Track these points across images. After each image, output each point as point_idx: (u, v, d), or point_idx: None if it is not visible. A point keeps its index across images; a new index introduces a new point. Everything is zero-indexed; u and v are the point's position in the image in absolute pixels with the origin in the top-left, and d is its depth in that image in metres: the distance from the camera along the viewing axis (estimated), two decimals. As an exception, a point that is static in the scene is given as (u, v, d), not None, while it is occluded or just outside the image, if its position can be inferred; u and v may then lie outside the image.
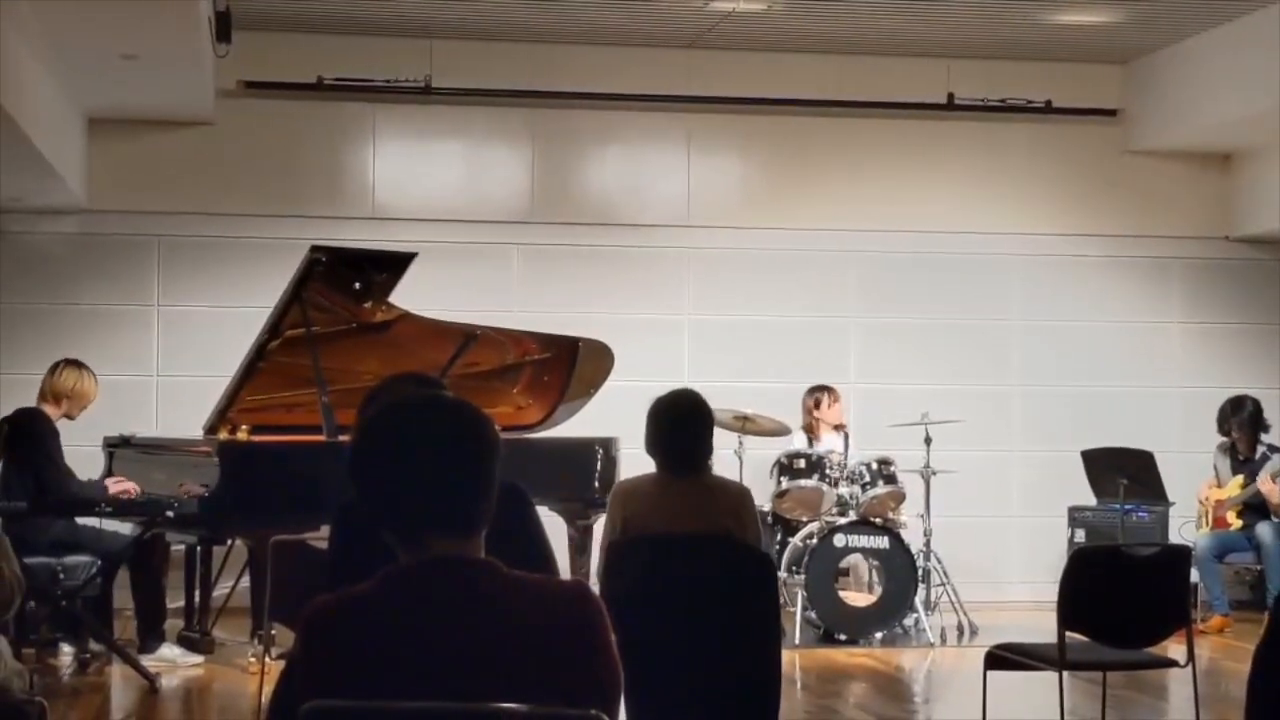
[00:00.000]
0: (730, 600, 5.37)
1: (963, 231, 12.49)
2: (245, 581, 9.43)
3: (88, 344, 11.20)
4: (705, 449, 5.75)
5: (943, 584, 10.83)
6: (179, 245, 11.70)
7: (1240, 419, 11.32)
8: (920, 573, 10.49)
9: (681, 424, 5.71)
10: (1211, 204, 12.77)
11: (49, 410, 9.38)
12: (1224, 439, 11.47)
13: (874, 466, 10.61)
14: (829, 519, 10.46)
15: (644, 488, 5.73)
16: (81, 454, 9.59)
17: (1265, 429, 11.40)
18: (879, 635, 10.29)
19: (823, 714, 8.41)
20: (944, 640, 10.49)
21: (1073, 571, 6.47)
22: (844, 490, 10.58)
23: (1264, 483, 11.07)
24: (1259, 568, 11.33)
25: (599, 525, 8.17)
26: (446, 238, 11.77)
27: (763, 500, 10.72)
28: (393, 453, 2.73)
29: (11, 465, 9.11)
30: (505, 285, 11.99)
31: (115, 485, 9.36)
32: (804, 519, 10.66)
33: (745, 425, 10.78)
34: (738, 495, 5.82)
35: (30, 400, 9.53)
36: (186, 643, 9.42)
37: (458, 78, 11.89)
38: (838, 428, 11.40)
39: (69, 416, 9.50)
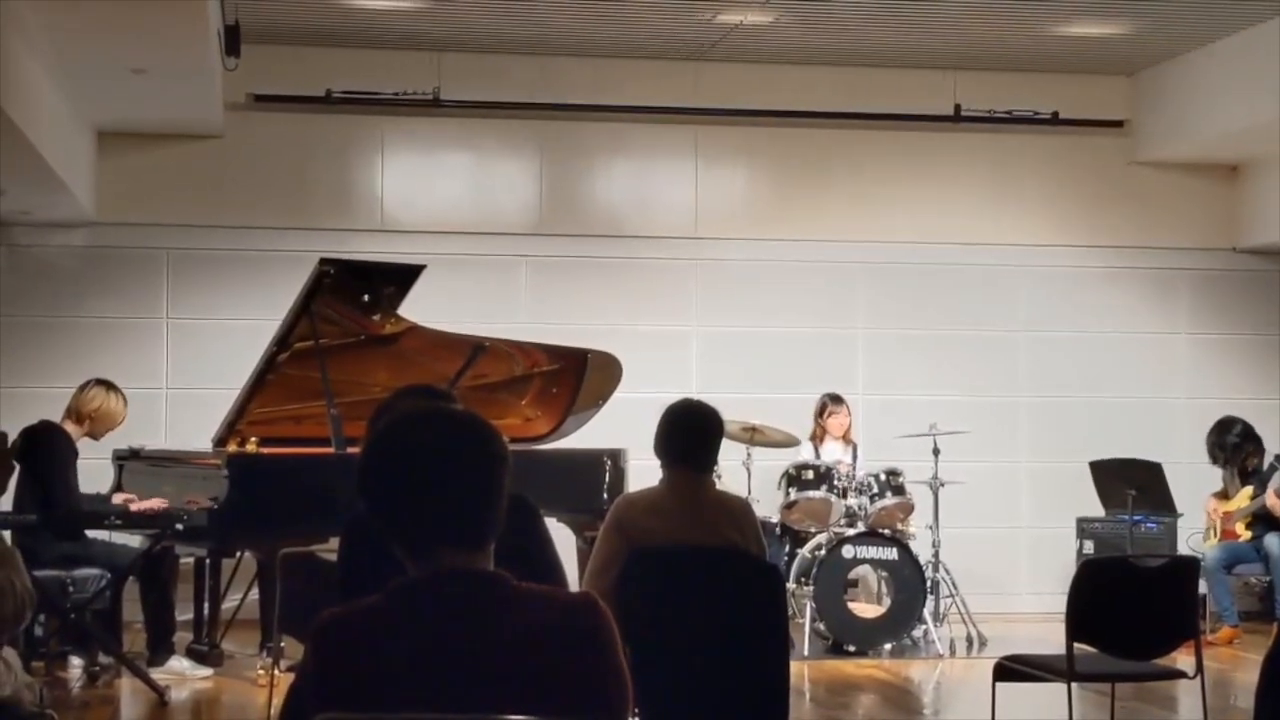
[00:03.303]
0: (738, 612, 5.37)
1: (970, 243, 12.50)
2: (254, 594, 9.45)
3: (97, 357, 11.23)
4: (712, 450, 5.76)
5: (951, 595, 10.82)
6: (188, 258, 11.72)
7: (1225, 442, 11.35)
8: (929, 584, 10.49)
9: (691, 422, 5.72)
10: (1218, 215, 12.78)
11: (70, 428, 9.39)
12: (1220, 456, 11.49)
13: (882, 478, 10.61)
14: (837, 530, 10.46)
15: (647, 501, 5.73)
16: (91, 466, 9.60)
17: (1261, 447, 11.40)
18: (888, 646, 10.29)
19: (831, 725, 8.41)
20: (953, 651, 10.48)
21: (1081, 583, 6.47)
22: (852, 501, 10.59)
23: (1270, 498, 11.06)
24: (1268, 579, 11.31)
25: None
26: (455, 250, 11.79)
27: (771, 511, 10.73)
28: (401, 466, 2.74)
29: (25, 478, 9.11)
30: (513, 297, 12.01)
31: (136, 505, 9.37)
32: (812, 530, 10.66)
33: (753, 436, 10.78)
34: (740, 508, 5.83)
35: (41, 413, 9.54)
36: (195, 655, 9.42)
37: (466, 90, 11.92)
38: (844, 439, 11.39)
39: (92, 436, 9.52)
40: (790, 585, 10.15)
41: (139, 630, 9.48)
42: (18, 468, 8.93)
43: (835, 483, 10.60)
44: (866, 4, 10.69)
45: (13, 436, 9.16)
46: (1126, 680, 7.18)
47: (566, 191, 12.24)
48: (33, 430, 9.28)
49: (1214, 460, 11.51)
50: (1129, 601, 6.47)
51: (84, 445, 9.48)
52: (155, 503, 9.29)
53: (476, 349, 9.64)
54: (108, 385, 9.57)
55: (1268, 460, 11.37)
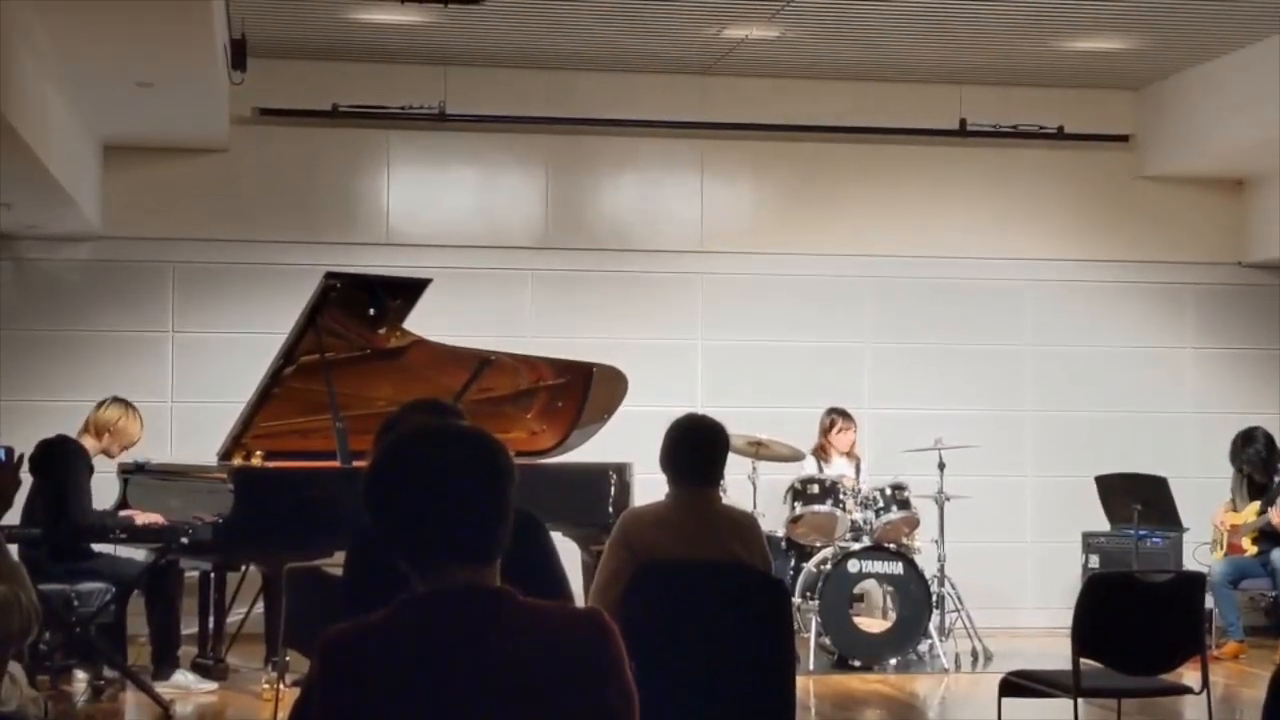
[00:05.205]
0: (744, 626, 5.37)
1: (975, 257, 12.50)
2: (259, 608, 9.45)
3: (102, 370, 11.25)
4: (718, 464, 5.76)
5: (957, 610, 10.81)
6: (194, 272, 11.73)
7: (1249, 455, 11.34)
8: (934, 598, 10.48)
9: (697, 437, 5.73)
10: (1224, 229, 12.77)
11: (89, 442, 9.43)
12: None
13: (888, 492, 10.61)
14: (843, 544, 10.45)
15: (652, 515, 5.73)
16: (97, 480, 9.58)
17: (1276, 464, 11.39)
18: (893, 661, 10.27)
19: (837, 740, 8.39)
20: (958, 666, 10.47)
21: (1087, 598, 6.47)
22: (858, 515, 10.58)
23: (1276, 515, 11.03)
24: (1274, 594, 11.30)
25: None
26: (461, 264, 11.80)
27: (777, 525, 10.73)
28: (408, 481, 2.74)
29: (37, 491, 9.11)
30: (519, 311, 12.02)
31: (141, 518, 9.36)
32: (818, 544, 10.66)
33: (759, 450, 10.78)
34: (746, 522, 5.83)
35: (47, 426, 9.56)
36: (200, 669, 9.42)
37: (472, 104, 11.93)
38: (849, 454, 11.39)
39: (108, 453, 9.56)
40: (795, 600, 10.14)
41: (144, 644, 9.48)
42: (29, 480, 8.94)
43: (841, 497, 10.60)
44: (872, 18, 10.70)
45: (19, 450, 9.14)
46: (1132, 696, 7.17)
47: (572, 205, 12.25)
48: (50, 443, 9.28)
49: (1238, 466, 11.42)
50: (1135, 617, 6.46)
51: (95, 460, 9.49)
52: (153, 517, 9.30)
53: (482, 363, 9.64)
54: (125, 403, 9.63)
55: (1277, 478, 11.33)
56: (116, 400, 9.65)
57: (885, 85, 12.31)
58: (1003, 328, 12.56)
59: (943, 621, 10.73)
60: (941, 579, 10.77)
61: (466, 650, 2.66)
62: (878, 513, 10.55)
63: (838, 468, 11.23)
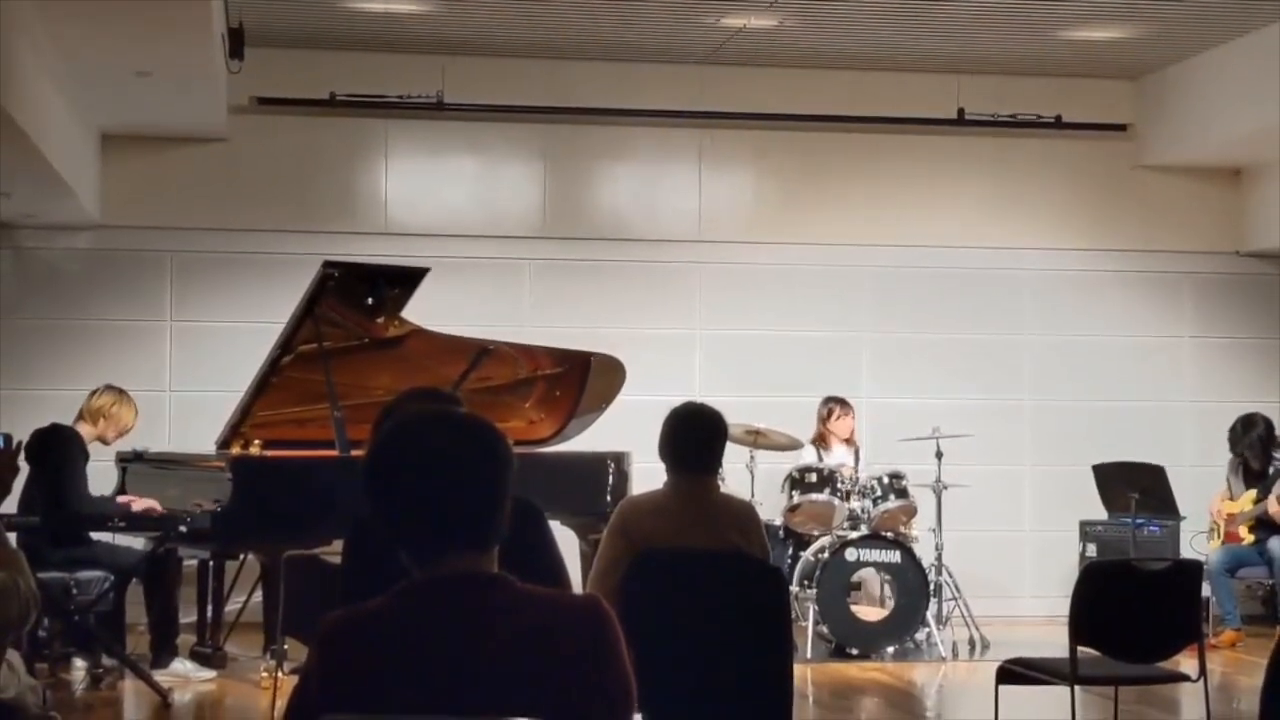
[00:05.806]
0: (742, 615, 5.38)
1: (973, 246, 12.50)
2: (258, 596, 9.46)
3: (101, 359, 11.25)
4: (716, 452, 5.77)
5: (954, 598, 10.83)
6: (192, 261, 11.73)
7: (1250, 439, 11.33)
8: (932, 587, 10.50)
9: (695, 425, 5.74)
10: (1222, 219, 12.77)
11: (84, 429, 9.43)
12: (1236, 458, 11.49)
13: (885, 480, 10.62)
14: (840, 533, 10.46)
15: (650, 503, 5.74)
16: (96, 469, 9.59)
17: (1278, 446, 11.39)
18: (891, 649, 10.29)
19: (834, 728, 8.40)
20: (955, 654, 10.49)
21: (1084, 586, 6.48)
22: (855, 504, 10.59)
23: (1272, 504, 11.04)
24: (1271, 582, 11.32)
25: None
26: (459, 253, 11.79)
27: (774, 514, 10.74)
28: (407, 469, 2.75)
29: (34, 479, 9.11)
30: (518, 300, 12.02)
31: (137, 504, 9.37)
32: (815, 533, 10.67)
33: (757, 439, 10.79)
34: (744, 511, 5.84)
35: (46, 415, 9.56)
36: (199, 658, 9.43)
37: (470, 93, 11.92)
38: (848, 442, 11.40)
39: (103, 440, 9.56)
40: (793, 588, 10.16)
41: (142, 632, 9.49)
42: (25, 469, 8.92)
43: (838, 486, 10.61)
44: (870, 7, 10.70)
45: (18, 438, 9.13)
46: (1130, 683, 7.18)
47: (571, 195, 12.24)
48: (45, 431, 9.28)
49: (1238, 452, 11.42)
50: (1132, 605, 6.47)
51: (90, 448, 9.50)
52: (149, 502, 9.30)
53: (480, 352, 9.64)
54: (118, 391, 9.65)
55: (1274, 466, 11.34)
56: (109, 388, 9.67)
57: (883, 74, 12.30)
58: (1001, 317, 12.56)
59: (940, 610, 10.75)
60: (939, 567, 10.78)
61: (464, 637, 2.67)
62: (875, 501, 10.56)
63: (836, 456, 11.24)
